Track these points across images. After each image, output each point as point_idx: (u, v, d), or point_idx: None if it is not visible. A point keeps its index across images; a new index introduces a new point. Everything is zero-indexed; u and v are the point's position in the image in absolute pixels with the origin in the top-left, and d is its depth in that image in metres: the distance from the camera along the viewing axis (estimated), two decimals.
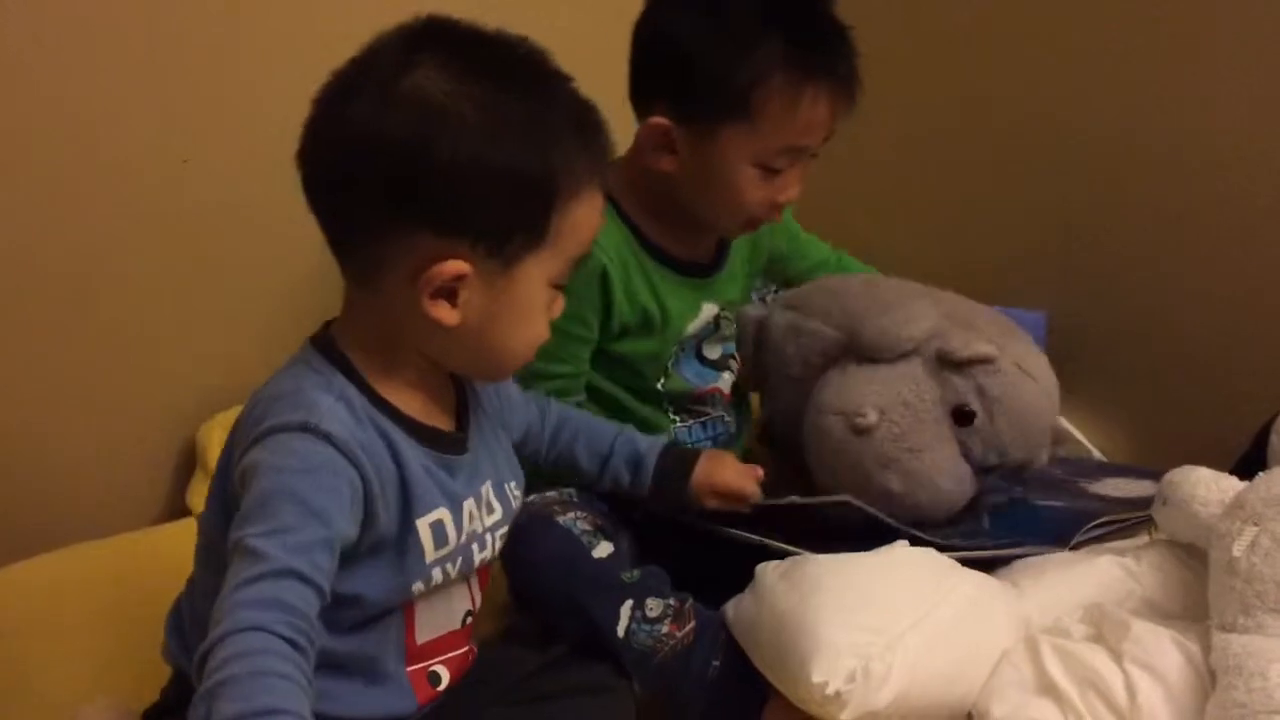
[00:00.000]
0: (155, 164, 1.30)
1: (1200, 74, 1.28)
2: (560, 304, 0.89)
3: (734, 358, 1.32)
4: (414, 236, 0.80)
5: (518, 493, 0.96)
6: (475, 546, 0.91)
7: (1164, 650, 0.94)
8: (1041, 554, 1.11)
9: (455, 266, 0.80)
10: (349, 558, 0.80)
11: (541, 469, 1.11)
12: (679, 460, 1.11)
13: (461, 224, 0.80)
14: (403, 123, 0.78)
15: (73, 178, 1.25)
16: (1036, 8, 1.43)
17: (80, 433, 1.31)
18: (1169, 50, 1.30)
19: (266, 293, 1.39)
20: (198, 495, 1.33)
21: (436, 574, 0.87)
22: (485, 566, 0.94)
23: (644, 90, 1.15)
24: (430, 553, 0.86)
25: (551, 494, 1.12)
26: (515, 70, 0.83)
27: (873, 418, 1.11)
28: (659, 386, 1.25)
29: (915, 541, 1.06)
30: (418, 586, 0.86)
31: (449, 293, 0.81)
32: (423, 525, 0.85)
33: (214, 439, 1.34)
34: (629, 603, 1.02)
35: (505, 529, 0.95)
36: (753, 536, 1.10)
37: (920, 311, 1.15)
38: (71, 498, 1.30)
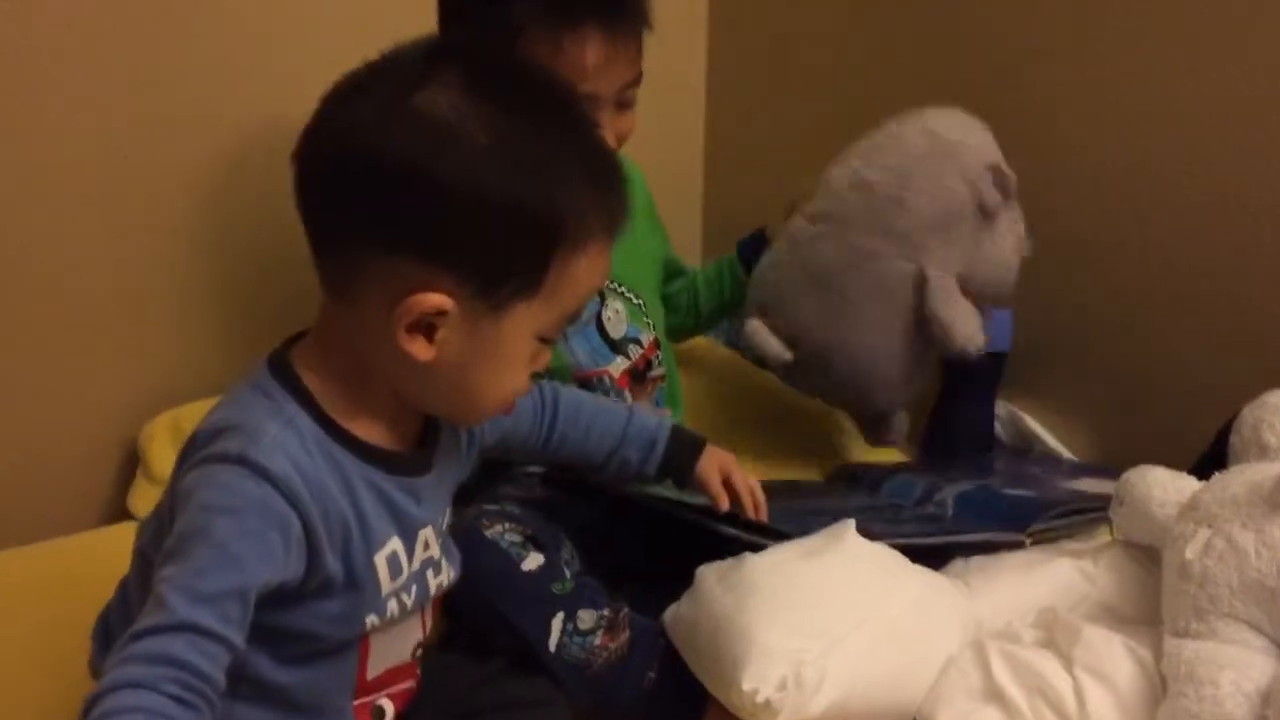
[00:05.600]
0: (97, 160, 1.27)
1: (1165, 69, 1.24)
2: (546, 357, 0.83)
3: (638, 343, 1.27)
4: (399, 260, 0.74)
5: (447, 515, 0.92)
6: (430, 573, 0.87)
7: (1115, 656, 0.90)
8: (1001, 539, 1.08)
9: (437, 300, 0.74)
10: (298, 595, 0.77)
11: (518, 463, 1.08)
12: (687, 445, 1.06)
13: (452, 256, 0.74)
14: (407, 137, 0.73)
15: (11, 174, 1.23)
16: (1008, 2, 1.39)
17: (15, 433, 1.28)
18: (1132, 45, 1.27)
19: (210, 293, 1.36)
20: (139, 498, 1.30)
21: (392, 606, 0.83)
22: (440, 594, 0.90)
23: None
24: (386, 585, 0.82)
25: (479, 507, 1.08)
26: (537, 104, 0.77)
27: None
28: None
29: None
30: (372, 620, 0.82)
31: (427, 327, 0.76)
32: (380, 560, 0.81)
33: (156, 440, 1.30)
34: (560, 615, 0.98)
35: (451, 556, 0.90)
36: (723, 526, 1.06)
37: None
38: (5, 500, 1.26)
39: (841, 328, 1.26)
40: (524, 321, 0.78)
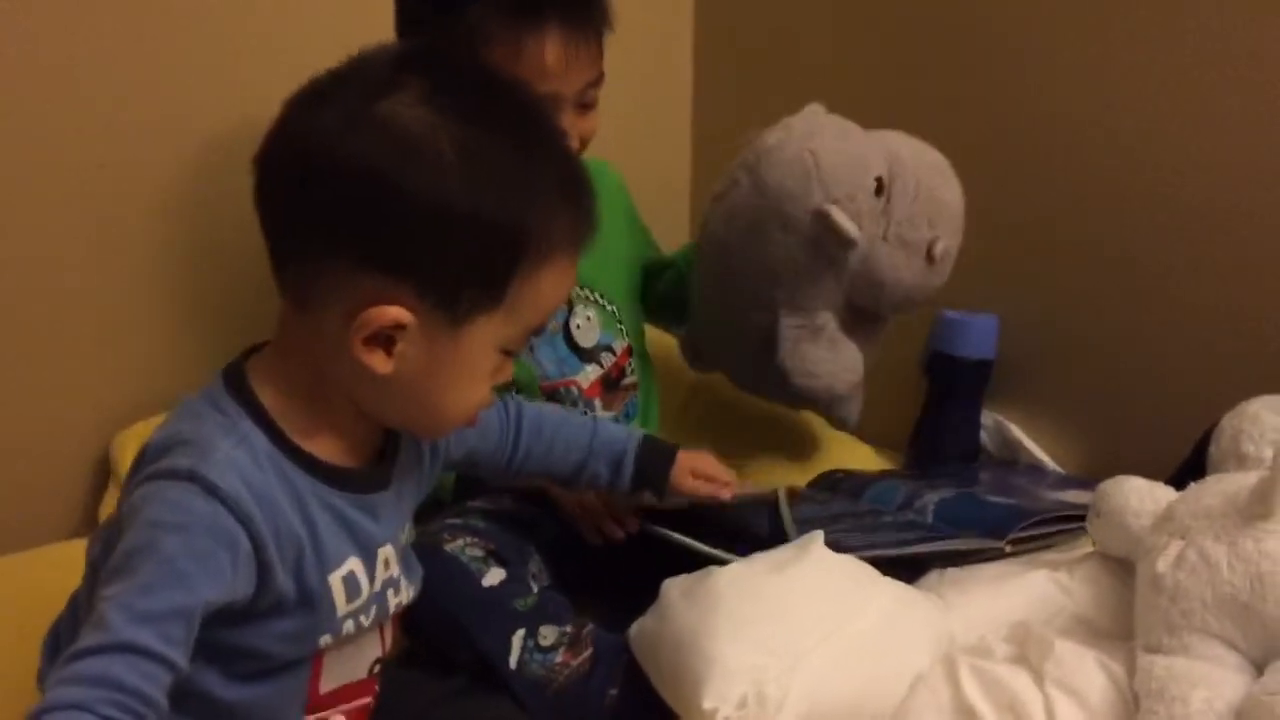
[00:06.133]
0: (71, 168, 1.25)
1: (1160, 77, 1.22)
2: (509, 370, 0.81)
3: (611, 351, 1.25)
4: (358, 272, 0.73)
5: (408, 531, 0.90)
6: (390, 592, 0.85)
7: (1087, 671, 0.88)
8: (981, 546, 1.06)
9: (396, 314, 0.73)
10: (247, 614, 0.75)
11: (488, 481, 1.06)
12: (657, 457, 1.04)
13: (411, 268, 0.73)
14: (369, 147, 0.72)
15: None
16: (993, 4, 1.37)
17: None
18: (1115, 49, 1.25)
19: (185, 303, 1.34)
20: (110, 509, 1.27)
21: (348, 626, 0.81)
22: (401, 611, 0.88)
23: None
24: (342, 606, 0.80)
25: (442, 521, 1.06)
26: (504, 115, 0.76)
27: None
28: None
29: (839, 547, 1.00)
30: (325, 640, 0.81)
31: (385, 340, 0.74)
32: (335, 580, 0.79)
33: (128, 451, 1.28)
34: (520, 632, 0.97)
35: (413, 574, 0.89)
36: (690, 541, 1.04)
37: None
38: None
39: (737, 365, 1.25)
40: (485, 334, 0.76)
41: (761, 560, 0.96)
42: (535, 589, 1.03)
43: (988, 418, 1.43)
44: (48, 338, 1.28)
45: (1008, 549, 1.07)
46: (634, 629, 0.97)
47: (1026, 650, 0.91)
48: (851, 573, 0.96)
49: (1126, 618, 0.94)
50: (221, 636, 0.75)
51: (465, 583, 0.98)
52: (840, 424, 1.29)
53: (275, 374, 0.78)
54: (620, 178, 1.33)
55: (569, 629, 0.98)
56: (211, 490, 0.71)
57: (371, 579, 0.82)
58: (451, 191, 0.72)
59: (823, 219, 1.09)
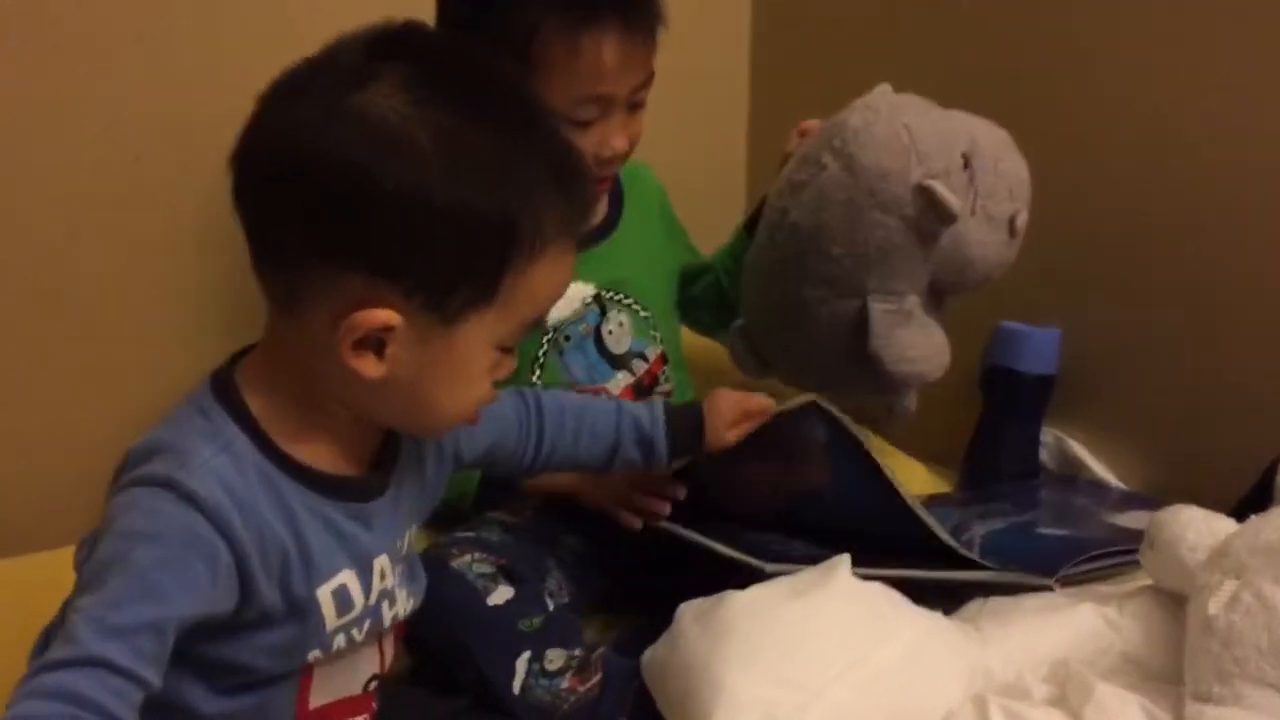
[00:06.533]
0: (106, 164, 1.25)
1: (1241, 76, 1.14)
2: (509, 365, 0.77)
3: (643, 358, 1.20)
4: (341, 274, 0.70)
5: (408, 541, 0.85)
6: (385, 604, 0.81)
7: (1129, 719, 0.80)
8: (1027, 581, 0.99)
9: (383, 316, 0.69)
10: (231, 627, 0.72)
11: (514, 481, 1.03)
12: (686, 424, 0.99)
13: (396, 268, 0.69)
14: (344, 142, 0.68)
15: (18, 178, 1.21)
16: (1056, 8, 1.30)
17: (15, 441, 1.26)
18: (1188, 46, 1.17)
19: (215, 302, 1.33)
20: None
21: (339, 640, 0.78)
22: (400, 624, 0.84)
23: None
24: (332, 620, 0.77)
25: (451, 535, 1.03)
26: (489, 98, 0.72)
27: None
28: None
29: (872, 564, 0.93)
30: (315, 655, 0.77)
31: (375, 343, 0.71)
32: (324, 594, 0.75)
33: None
34: (526, 655, 0.92)
35: (414, 584, 0.85)
36: (713, 544, 0.99)
37: None
38: (2, 508, 1.24)
39: (811, 361, 1.19)
40: (479, 332, 0.73)
41: (779, 585, 0.90)
42: (550, 607, 0.99)
43: (1048, 434, 1.35)
44: (78, 337, 1.28)
45: (1055, 588, 1.00)
46: (646, 654, 0.92)
47: (1066, 692, 0.84)
48: (878, 600, 0.90)
49: (1180, 659, 0.86)
50: (205, 649, 0.72)
51: (470, 601, 0.94)
52: (898, 421, 1.23)
53: (263, 377, 0.75)
54: (658, 181, 1.28)
55: (578, 652, 0.93)
56: (189, 498, 0.68)
57: (366, 592, 0.78)
58: (433, 186, 0.68)
59: (925, 194, 1.06)
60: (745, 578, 0.94)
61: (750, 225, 1.28)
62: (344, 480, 0.77)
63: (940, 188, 1.05)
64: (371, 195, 0.68)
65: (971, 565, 1.00)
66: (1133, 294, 1.26)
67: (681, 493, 1.04)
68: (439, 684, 0.95)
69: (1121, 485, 1.29)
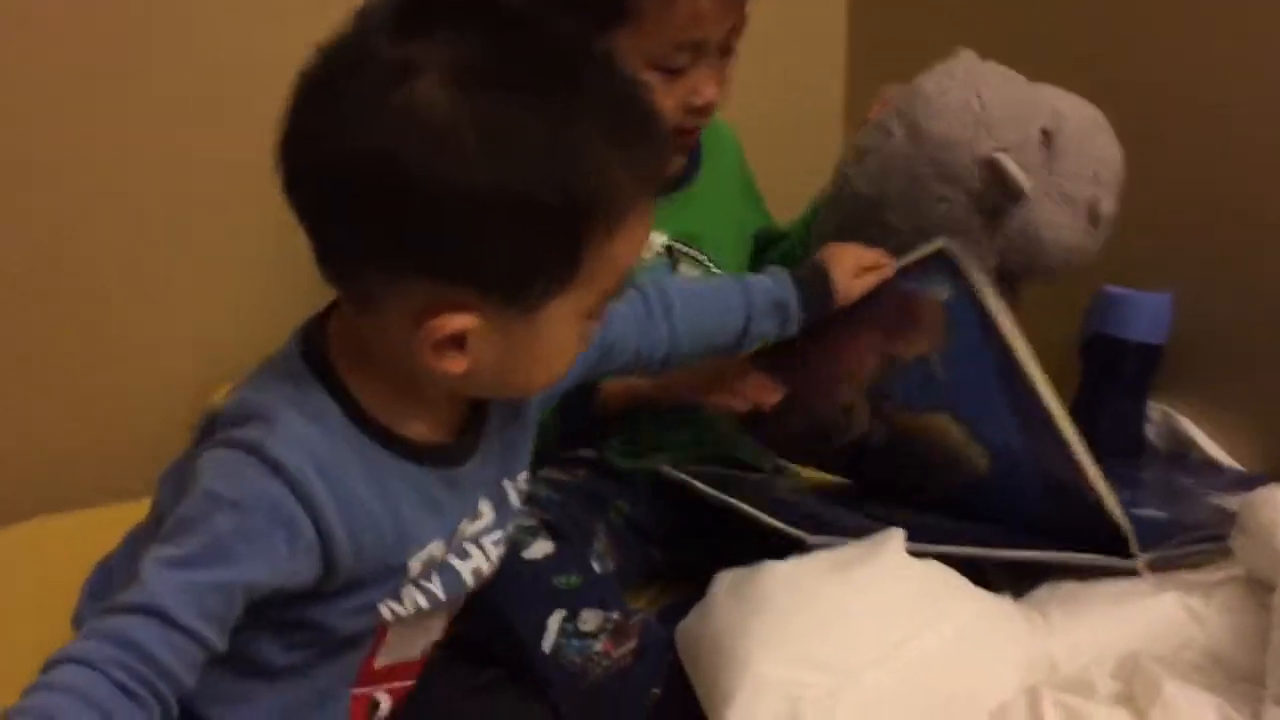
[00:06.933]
0: (178, 125, 1.25)
1: None
2: (597, 326, 0.74)
3: None
4: (407, 280, 0.66)
5: (523, 486, 0.83)
6: (468, 566, 0.78)
7: None
8: (1110, 564, 0.90)
9: (458, 321, 0.66)
10: (314, 593, 0.70)
11: None
12: (814, 282, 0.96)
13: (465, 272, 0.66)
14: (389, 145, 0.63)
15: (96, 155, 1.23)
16: None
17: (88, 400, 1.29)
18: None
19: (285, 260, 1.32)
20: None
21: (422, 601, 0.76)
22: (478, 587, 0.81)
23: None
24: (417, 585, 0.75)
25: None
26: (535, 67, 0.66)
27: None
28: None
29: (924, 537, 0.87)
30: (394, 617, 0.75)
31: (456, 340, 0.68)
32: (414, 562, 0.74)
33: None
34: (559, 613, 0.88)
35: (499, 534, 0.81)
36: (754, 511, 0.94)
37: None
38: (75, 465, 1.27)
39: None
40: (563, 312, 0.69)
41: (822, 558, 0.84)
42: (596, 569, 0.95)
43: (1154, 409, 1.25)
44: (150, 297, 1.30)
45: (1142, 569, 0.91)
46: (681, 624, 0.87)
47: (1133, 689, 0.76)
48: (930, 579, 0.83)
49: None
50: (285, 611, 0.70)
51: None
52: None
53: (354, 353, 0.72)
54: (736, 140, 1.22)
55: (615, 616, 0.89)
56: (276, 468, 0.66)
57: (455, 554, 0.77)
58: (488, 179, 0.63)
59: (992, 168, 1.00)
60: (792, 548, 0.88)
61: None
62: (438, 447, 0.74)
63: (1009, 162, 0.99)
64: (424, 200, 0.64)
65: (1060, 525, 0.92)
66: (1253, 256, 1.15)
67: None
68: (474, 652, 0.91)
69: (1237, 465, 1.19)
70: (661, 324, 0.90)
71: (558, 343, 0.71)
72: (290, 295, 1.30)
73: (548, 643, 0.87)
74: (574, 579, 0.91)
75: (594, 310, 0.71)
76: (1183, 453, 1.23)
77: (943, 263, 0.95)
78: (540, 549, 0.92)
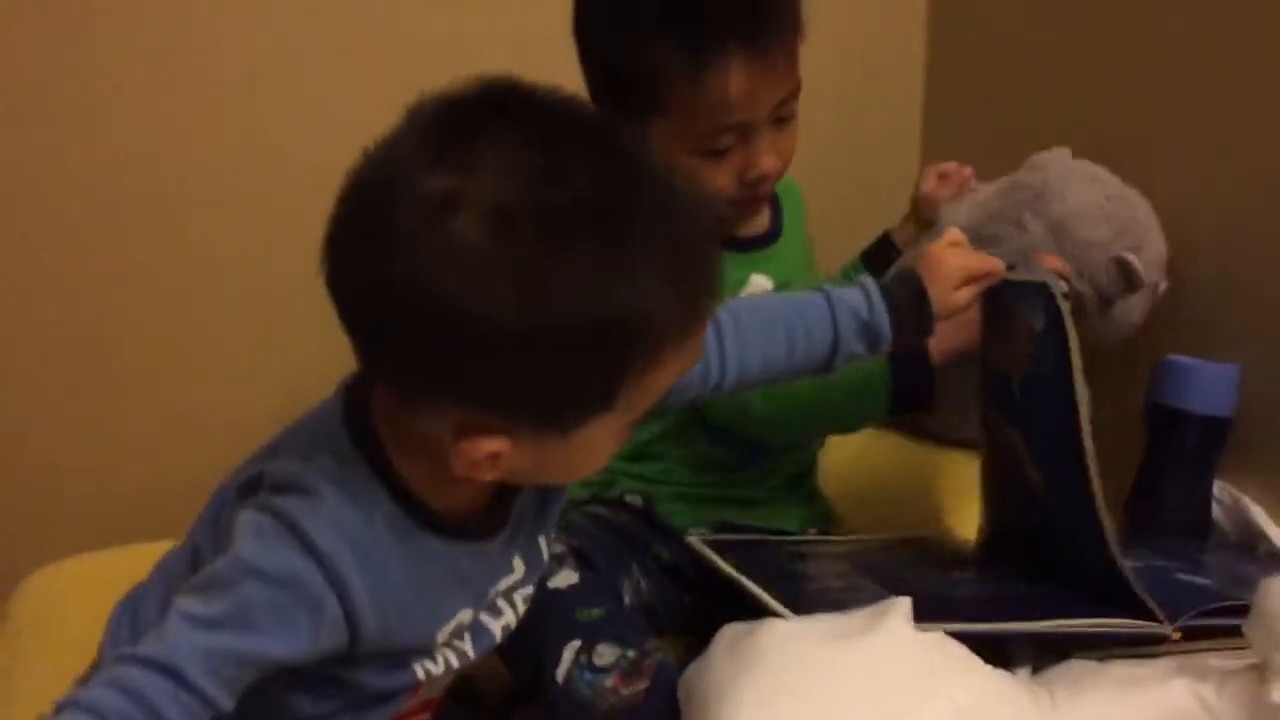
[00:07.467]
0: (252, 161, 1.32)
1: None
2: (633, 428, 0.72)
3: None
4: (440, 401, 0.67)
5: (545, 546, 0.84)
6: (499, 624, 0.81)
7: None
8: (1141, 630, 0.88)
9: (492, 445, 0.67)
10: (347, 660, 0.73)
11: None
12: (909, 299, 0.90)
13: (498, 403, 0.66)
14: (434, 278, 0.63)
15: (176, 176, 1.31)
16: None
17: (164, 428, 1.36)
18: None
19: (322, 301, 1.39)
20: None
21: (452, 660, 0.79)
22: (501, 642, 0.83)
23: None
24: (447, 649, 0.78)
25: None
26: (587, 195, 0.64)
27: None
28: None
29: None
30: (432, 670, 0.78)
31: (490, 457, 0.68)
32: (443, 633, 0.77)
33: None
34: (575, 644, 0.90)
35: (529, 589, 0.83)
36: (745, 581, 0.94)
37: None
38: (151, 495, 1.32)
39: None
40: (598, 432, 0.70)
41: (822, 623, 0.84)
42: (626, 601, 0.97)
43: (1224, 491, 1.20)
44: (225, 326, 1.37)
45: (1175, 636, 0.88)
46: (683, 674, 0.88)
47: None
48: (932, 653, 0.82)
49: None
50: (317, 668, 0.72)
51: None
52: None
53: (396, 427, 0.72)
54: (803, 199, 1.23)
55: (631, 654, 0.91)
56: (310, 548, 0.68)
57: (486, 615, 0.80)
58: (520, 323, 0.63)
59: (1121, 265, 1.14)
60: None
61: (868, 255, 1.22)
62: (472, 521, 0.76)
63: (1136, 261, 1.14)
64: (455, 336, 0.64)
65: (1078, 585, 0.92)
66: None
67: None
68: (498, 679, 0.94)
69: None
70: (711, 363, 0.87)
71: (592, 451, 0.72)
72: (329, 334, 1.37)
73: (561, 672, 0.90)
74: (596, 611, 0.93)
75: (631, 425, 0.71)
76: (1252, 544, 1.17)
77: (1045, 296, 0.93)
78: (565, 578, 0.95)
